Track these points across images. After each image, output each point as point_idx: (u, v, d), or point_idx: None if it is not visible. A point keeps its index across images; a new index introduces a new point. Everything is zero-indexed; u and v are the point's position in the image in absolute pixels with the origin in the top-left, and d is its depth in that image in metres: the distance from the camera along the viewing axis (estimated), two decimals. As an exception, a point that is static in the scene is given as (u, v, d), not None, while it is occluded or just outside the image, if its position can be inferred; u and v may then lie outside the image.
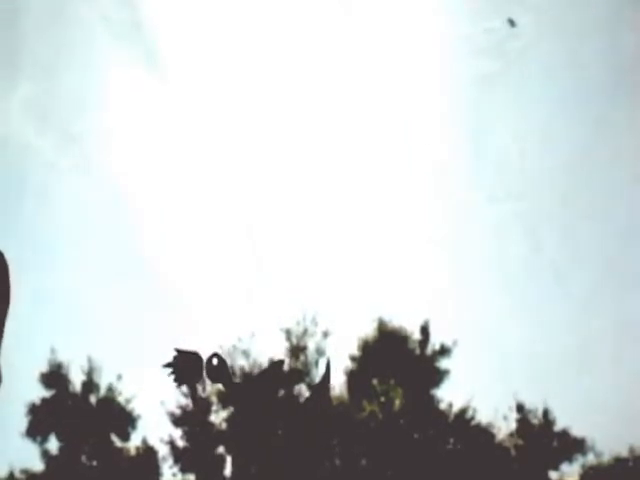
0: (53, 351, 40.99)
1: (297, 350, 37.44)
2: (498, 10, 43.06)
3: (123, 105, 52.69)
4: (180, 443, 39.57)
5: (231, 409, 36.77)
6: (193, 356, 5.00)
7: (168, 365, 5.01)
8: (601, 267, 45.04)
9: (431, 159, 51.62)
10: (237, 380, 5.08)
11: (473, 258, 47.94)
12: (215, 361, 5.02)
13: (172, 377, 5.01)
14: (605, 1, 47.01)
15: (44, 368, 40.93)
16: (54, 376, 41.10)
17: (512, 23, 42.58)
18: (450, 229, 47.95)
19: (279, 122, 54.29)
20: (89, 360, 40.95)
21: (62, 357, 40.95)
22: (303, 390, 33.95)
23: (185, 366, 4.95)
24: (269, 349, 37.72)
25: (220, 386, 5.04)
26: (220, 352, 5.14)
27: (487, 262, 48.63)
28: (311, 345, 37.98)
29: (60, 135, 52.36)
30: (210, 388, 38.80)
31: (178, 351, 4.91)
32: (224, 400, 34.77)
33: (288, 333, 38.02)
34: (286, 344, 37.68)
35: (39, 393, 40.92)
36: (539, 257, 46.17)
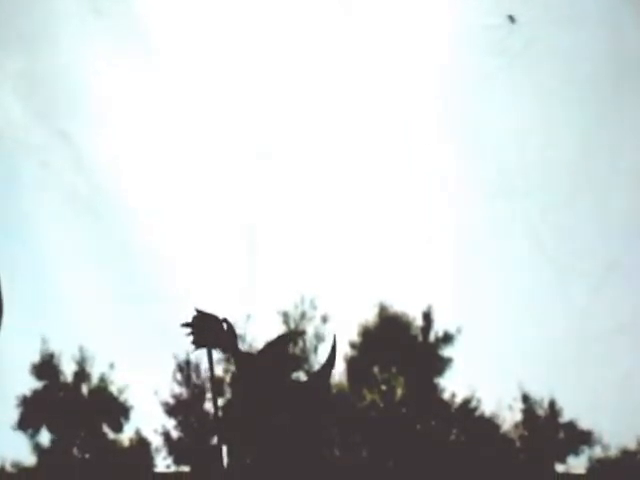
0: (44, 341, 40.53)
1: (295, 335, 36.76)
2: (499, 7, 42.45)
3: (118, 99, 52.09)
4: (174, 434, 39.13)
5: (227, 397, 36.03)
6: (212, 318, 4.93)
7: (187, 325, 4.92)
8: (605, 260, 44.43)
9: (431, 156, 51.12)
10: (243, 349, 5.01)
11: (477, 248, 47.39)
12: (225, 326, 4.99)
13: (190, 337, 4.98)
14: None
15: (36, 359, 40.55)
16: (45, 367, 40.63)
17: (512, 20, 41.98)
18: (453, 220, 47.36)
19: (278, 117, 53.75)
20: (80, 349, 40.46)
21: (54, 347, 40.60)
22: (301, 377, 33.19)
23: (204, 327, 4.82)
24: (265, 333, 37.16)
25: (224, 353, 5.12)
26: (229, 319, 5.10)
27: (491, 252, 48.04)
28: (310, 330, 37.47)
29: (53, 130, 51.89)
30: (204, 375, 38.29)
31: (198, 311, 4.83)
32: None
33: (285, 317, 37.47)
34: (283, 328, 37.07)
35: (30, 385, 40.54)
36: (541, 245, 45.62)
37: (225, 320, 4.72)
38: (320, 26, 49.91)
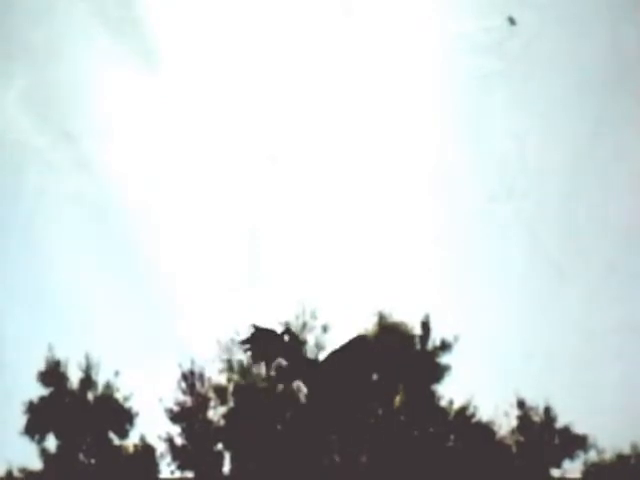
0: (51, 348, 40.83)
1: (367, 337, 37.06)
2: (498, 9, 42.81)
3: (121, 102, 52.42)
4: (178, 440, 39.41)
5: (230, 405, 36.50)
6: (270, 332, 5.13)
7: (245, 341, 4.95)
8: (602, 266, 44.76)
9: (432, 158, 51.30)
10: (309, 356, 4.85)
11: (475, 256, 47.64)
12: (287, 337, 5.16)
13: (249, 353, 5.12)
14: None
15: (42, 366, 40.80)
16: (52, 374, 40.87)
17: (512, 21, 42.35)
18: (451, 228, 47.62)
19: (279, 119, 54.02)
20: (87, 357, 40.78)
21: (60, 354, 40.90)
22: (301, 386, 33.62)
23: (262, 342, 5.01)
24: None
25: (285, 362, 5.19)
26: (291, 328, 5.04)
27: (488, 260, 48.28)
28: (310, 339, 37.77)
29: (57, 132, 52.08)
30: (208, 384, 38.57)
31: (255, 327, 4.98)
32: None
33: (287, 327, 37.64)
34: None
35: (37, 391, 40.87)
36: (540, 256, 45.87)
37: (288, 331, 4.74)
38: (320, 29, 50.25)
